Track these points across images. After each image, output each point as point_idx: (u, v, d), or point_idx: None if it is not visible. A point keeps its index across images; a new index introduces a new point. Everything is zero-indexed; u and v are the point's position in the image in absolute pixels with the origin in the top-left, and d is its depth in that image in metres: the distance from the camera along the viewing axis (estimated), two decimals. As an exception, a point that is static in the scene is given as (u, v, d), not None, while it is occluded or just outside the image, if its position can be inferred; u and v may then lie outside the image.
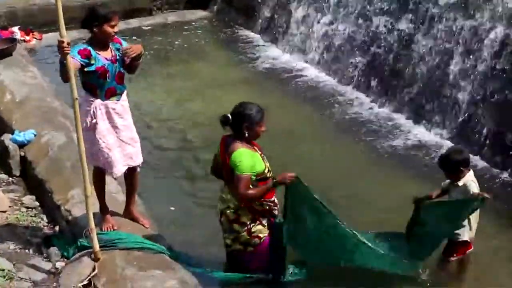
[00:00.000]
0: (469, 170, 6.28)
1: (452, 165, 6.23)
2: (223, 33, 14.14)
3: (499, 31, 8.86)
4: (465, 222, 6.18)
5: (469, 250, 6.42)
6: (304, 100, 10.55)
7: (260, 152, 5.94)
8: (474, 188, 6.11)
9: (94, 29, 5.76)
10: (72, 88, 5.49)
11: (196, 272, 6.04)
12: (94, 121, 5.87)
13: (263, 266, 6.13)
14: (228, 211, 5.98)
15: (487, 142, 8.55)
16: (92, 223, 5.74)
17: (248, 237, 5.98)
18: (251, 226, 5.96)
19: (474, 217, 6.22)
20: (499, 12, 8.94)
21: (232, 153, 5.76)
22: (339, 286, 6.28)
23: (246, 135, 5.82)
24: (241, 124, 5.79)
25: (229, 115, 5.81)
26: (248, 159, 5.76)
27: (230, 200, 5.96)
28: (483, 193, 6.03)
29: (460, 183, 6.19)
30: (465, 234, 6.26)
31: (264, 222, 6.01)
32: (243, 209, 5.91)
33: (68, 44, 5.34)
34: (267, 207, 6.01)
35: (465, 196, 6.11)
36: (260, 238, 6.01)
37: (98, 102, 5.85)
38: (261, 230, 6.00)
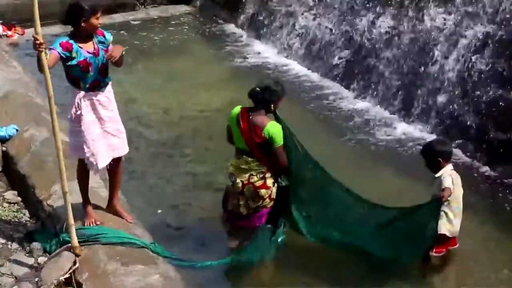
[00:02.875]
0: (449, 164, 6.26)
1: (432, 154, 6.25)
2: (206, 28, 14.12)
3: (482, 27, 8.92)
4: (442, 214, 6.14)
5: (453, 246, 6.40)
6: (287, 95, 10.51)
7: None
8: (448, 182, 6.09)
9: (82, 24, 5.74)
10: (47, 86, 5.50)
11: (180, 266, 6.08)
12: (79, 112, 5.85)
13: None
14: (255, 178, 6.45)
15: (470, 137, 8.60)
16: (72, 219, 5.73)
17: (269, 201, 6.56)
18: (272, 189, 6.53)
19: (454, 211, 6.20)
20: (482, 8, 9.01)
21: (264, 127, 6.32)
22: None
23: (272, 109, 6.42)
24: (270, 100, 6.39)
25: (259, 89, 6.41)
26: (280, 131, 6.33)
27: (252, 168, 6.46)
28: (441, 194, 6.03)
29: (438, 174, 6.19)
30: (442, 227, 6.19)
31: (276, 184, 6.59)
32: (269, 174, 6.47)
33: (41, 44, 5.33)
34: None
35: (439, 190, 6.10)
36: (274, 200, 6.59)
37: (82, 93, 5.84)
38: (275, 191, 6.59)
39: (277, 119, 6.45)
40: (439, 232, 6.21)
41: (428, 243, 6.26)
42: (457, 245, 6.42)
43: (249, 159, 6.46)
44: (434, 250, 6.34)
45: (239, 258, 6.41)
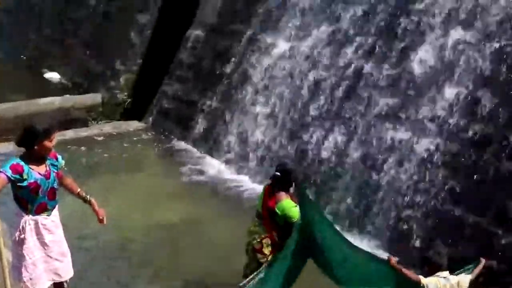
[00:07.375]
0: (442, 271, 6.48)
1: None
2: (159, 144, 14.17)
3: (426, 144, 9.21)
4: None
5: None
6: (238, 212, 10.42)
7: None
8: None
9: (35, 147, 5.72)
10: None
11: None
12: (22, 236, 5.78)
13: None
14: (254, 241, 7.02)
15: (420, 252, 8.67)
16: None
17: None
18: (268, 257, 6.94)
19: None
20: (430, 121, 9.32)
21: (280, 201, 6.88)
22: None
23: (291, 190, 7.00)
24: (288, 181, 7.00)
25: (278, 174, 6.99)
26: (295, 208, 6.80)
27: (257, 231, 7.03)
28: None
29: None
30: None
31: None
32: (268, 241, 6.96)
33: None
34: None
35: None
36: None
37: (28, 217, 5.79)
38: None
39: (303, 197, 6.80)
40: None
41: None
42: None
43: (258, 221, 7.07)
44: None
45: None
